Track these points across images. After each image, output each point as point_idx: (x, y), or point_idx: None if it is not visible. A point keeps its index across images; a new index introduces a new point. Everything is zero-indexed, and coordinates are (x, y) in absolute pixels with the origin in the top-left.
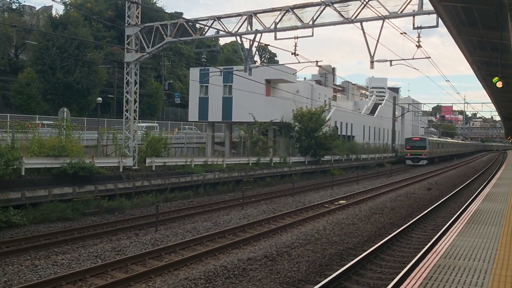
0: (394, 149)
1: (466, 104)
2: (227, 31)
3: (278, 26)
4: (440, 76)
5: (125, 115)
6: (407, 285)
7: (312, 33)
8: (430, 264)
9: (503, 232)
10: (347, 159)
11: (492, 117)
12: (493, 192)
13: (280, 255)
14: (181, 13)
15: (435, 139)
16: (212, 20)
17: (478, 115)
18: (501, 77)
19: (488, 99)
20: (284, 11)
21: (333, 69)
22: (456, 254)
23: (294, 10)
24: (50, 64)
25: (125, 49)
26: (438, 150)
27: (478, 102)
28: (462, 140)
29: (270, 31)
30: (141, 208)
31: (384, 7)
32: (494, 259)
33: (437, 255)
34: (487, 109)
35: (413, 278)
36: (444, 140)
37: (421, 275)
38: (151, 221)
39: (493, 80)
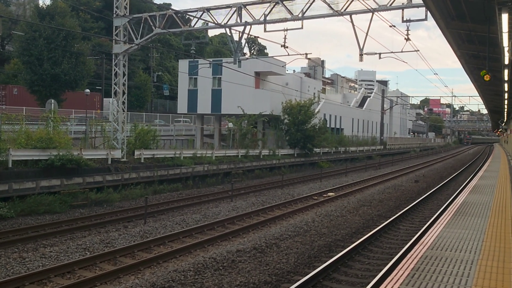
0: (383, 142)
1: (453, 97)
2: (216, 22)
3: (267, 18)
4: (428, 69)
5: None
6: (394, 275)
7: (302, 25)
8: (417, 255)
9: (489, 224)
10: (336, 152)
11: (479, 110)
12: (480, 184)
13: (269, 247)
14: (170, 4)
15: (475, 136)
16: (201, 12)
17: (465, 108)
18: (489, 70)
19: (476, 93)
20: (274, 3)
21: (322, 61)
22: (443, 245)
23: (284, 2)
24: (37, 55)
25: (113, 40)
26: (475, 140)
27: (465, 96)
28: (484, 136)
29: (260, 23)
30: (130, 200)
31: (374, 0)
32: (480, 250)
33: (424, 246)
34: (474, 102)
35: (400, 269)
36: (479, 137)
37: (408, 266)
38: (140, 213)
39: (481, 73)
